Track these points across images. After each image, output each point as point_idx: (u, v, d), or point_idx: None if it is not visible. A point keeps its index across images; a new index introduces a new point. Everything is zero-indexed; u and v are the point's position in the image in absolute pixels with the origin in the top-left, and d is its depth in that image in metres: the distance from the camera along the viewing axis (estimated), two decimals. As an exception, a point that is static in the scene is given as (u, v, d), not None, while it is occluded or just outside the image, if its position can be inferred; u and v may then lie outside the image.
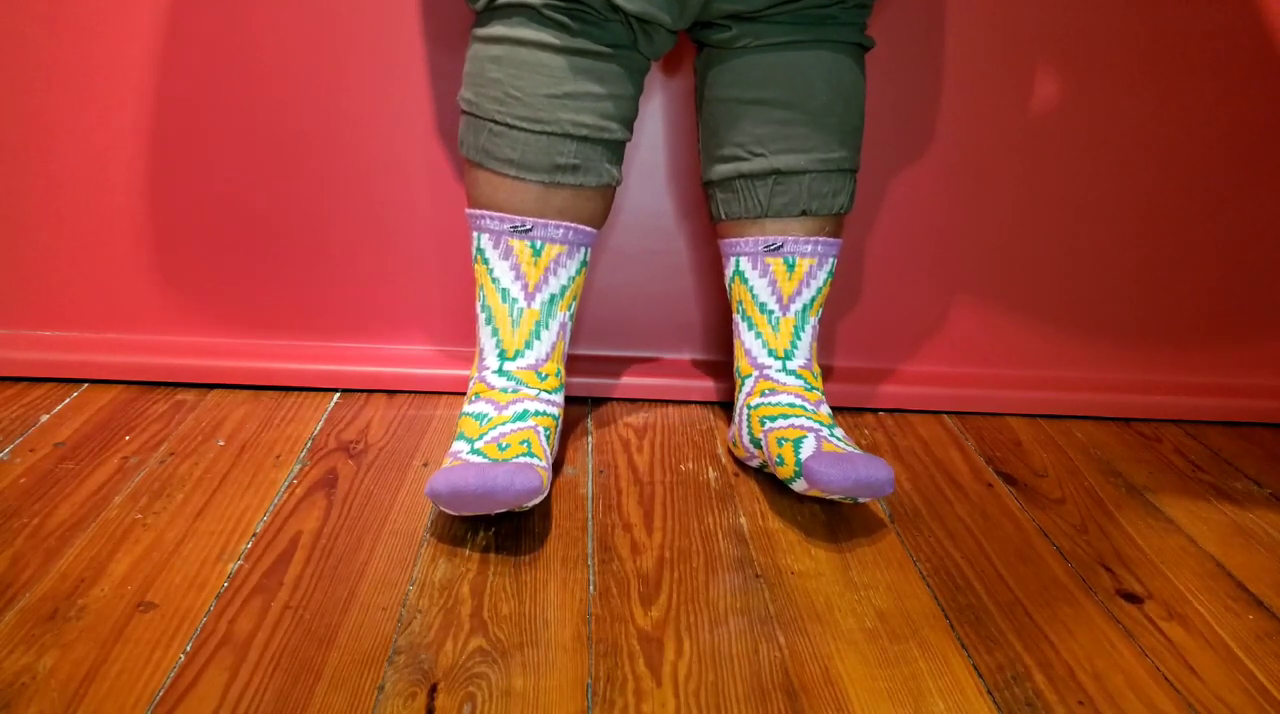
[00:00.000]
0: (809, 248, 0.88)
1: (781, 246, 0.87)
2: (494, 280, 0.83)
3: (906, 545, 0.82)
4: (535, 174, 0.79)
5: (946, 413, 1.10)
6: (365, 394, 1.05)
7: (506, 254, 0.82)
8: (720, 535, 0.81)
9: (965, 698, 0.64)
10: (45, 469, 0.85)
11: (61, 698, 0.59)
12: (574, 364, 1.09)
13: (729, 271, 0.92)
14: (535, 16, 0.76)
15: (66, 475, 0.84)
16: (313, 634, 0.66)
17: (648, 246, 1.09)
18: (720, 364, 1.12)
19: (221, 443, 0.92)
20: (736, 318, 0.92)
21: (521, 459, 0.76)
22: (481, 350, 0.86)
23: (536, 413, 0.82)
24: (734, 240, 0.90)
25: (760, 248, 0.88)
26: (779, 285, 0.89)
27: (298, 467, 0.88)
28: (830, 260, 0.89)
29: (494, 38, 0.78)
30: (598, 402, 1.07)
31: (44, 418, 0.95)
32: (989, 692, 0.65)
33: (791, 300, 0.89)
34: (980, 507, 0.89)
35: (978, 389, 1.10)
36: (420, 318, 1.09)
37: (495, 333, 0.84)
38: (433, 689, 0.61)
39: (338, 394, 1.04)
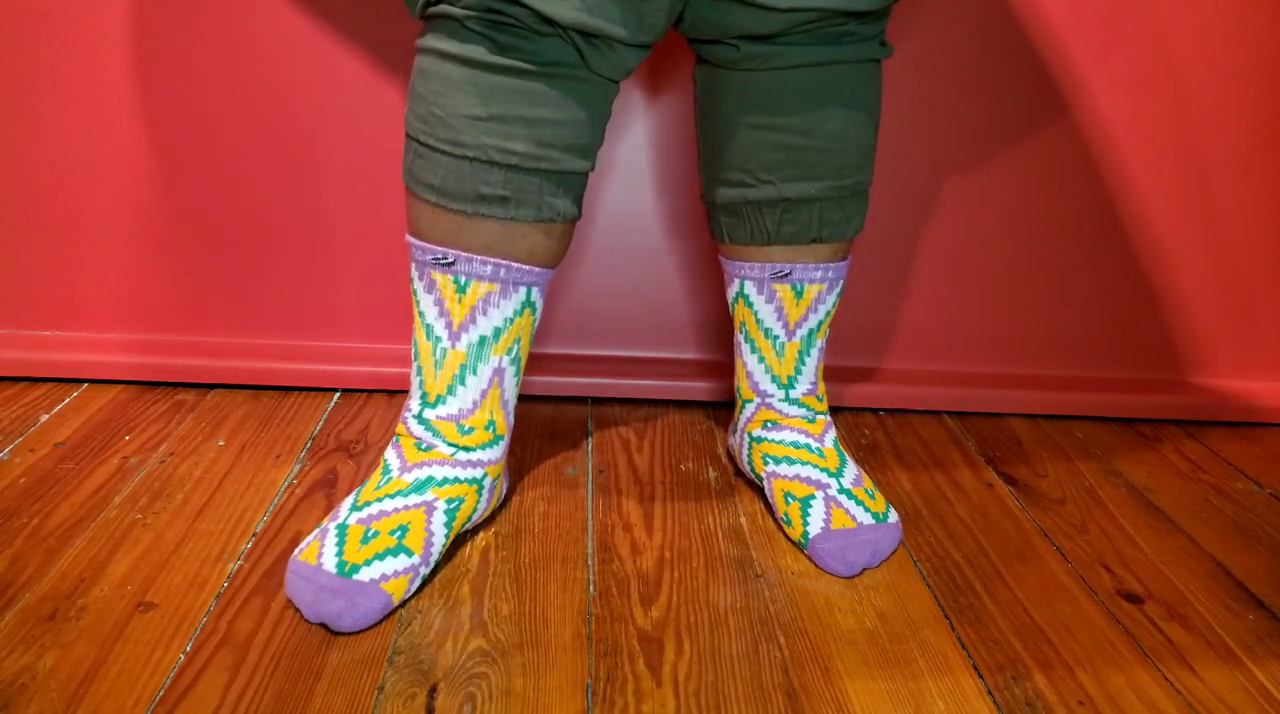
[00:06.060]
0: (819, 274, 0.82)
1: (790, 273, 0.82)
2: (420, 314, 0.76)
3: (906, 545, 0.82)
4: (456, 203, 0.71)
5: (946, 413, 1.10)
6: (365, 394, 1.05)
7: (430, 287, 0.74)
8: (720, 535, 0.81)
9: (965, 698, 0.64)
10: (45, 469, 0.85)
11: (61, 698, 0.59)
12: (574, 364, 1.09)
13: (732, 291, 0.86)
14: (458, 29, 0.68)
15: (66, 475, 0.84)
16: (313, 634, 0.66)
17: (648, 246, 1.09)
18: (720, 364, 1.12)
19: (221, 443, 0.92)
20: (739, 338, 0.88)
21: (375, 564, 0.69)
22: (410, 386, 0.79)
23: (442, 482, 0.75)
24: (738, 263, 0.84)
25: (767, 274, 0.83)
26: (785, 311, 0.84)
27: (298, 466, 0.88)
28: (840, 283, 0.84)
29: (425, 48, 0.70)
30: (598, 401, 1.07)
31: (44, 418, 0.95)
32: (989, 692, 0.65)
33: (798, 325, 0.84)
34: (980, 507, 0.89)
35: (978, 389, 1.10)
36: (420, 318, 1.09)
37: (419, 372, 0.77)
38: (433, 689, 0.61)
39: (338, 394, 1.04)
